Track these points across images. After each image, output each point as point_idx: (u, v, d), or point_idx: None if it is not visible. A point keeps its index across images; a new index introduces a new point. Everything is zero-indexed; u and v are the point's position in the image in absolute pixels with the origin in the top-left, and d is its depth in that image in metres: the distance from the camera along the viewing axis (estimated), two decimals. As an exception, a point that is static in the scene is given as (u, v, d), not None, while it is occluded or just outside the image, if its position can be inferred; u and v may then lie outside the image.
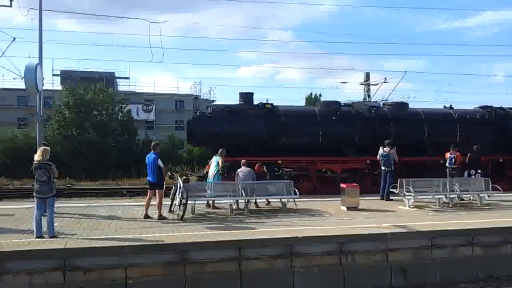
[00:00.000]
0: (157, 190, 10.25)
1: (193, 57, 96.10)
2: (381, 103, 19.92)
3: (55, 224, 8.53)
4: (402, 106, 18.43)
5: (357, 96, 56.37)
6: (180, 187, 10.61)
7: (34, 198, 8.44)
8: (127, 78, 46.96)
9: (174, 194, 11.13)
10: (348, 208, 11.82)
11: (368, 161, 16.29)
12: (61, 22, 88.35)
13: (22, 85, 32.03)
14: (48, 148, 8.69)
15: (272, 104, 16.80)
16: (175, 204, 10.93)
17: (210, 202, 11.80)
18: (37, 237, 8.13)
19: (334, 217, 10.81)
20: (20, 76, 24.58)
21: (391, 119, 17.25)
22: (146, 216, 10.24)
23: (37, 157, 8.38)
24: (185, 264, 7.82)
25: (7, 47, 20.45)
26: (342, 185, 12.36)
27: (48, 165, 8.25)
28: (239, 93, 17.35)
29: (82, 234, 8.50)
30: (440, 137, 17.20)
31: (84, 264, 7.44)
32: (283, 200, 11.86)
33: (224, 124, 15.76)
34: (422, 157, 17.04)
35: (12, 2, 20.49)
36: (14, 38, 20.94)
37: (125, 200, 12.70)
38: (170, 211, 10.97)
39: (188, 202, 10.38)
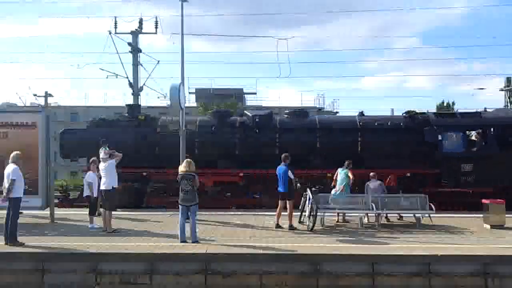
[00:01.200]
0: (287, 201, 10.50)
1: (317, 70, 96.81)
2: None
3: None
4: (301, 114, 16.84)
5: (496, 103, 51.31)
6: (309, 198, 10.74)
7: (179, 206, 9.24)
8: (255, 93, 49.14)
9: (304, 205, 11.30)
10: (492, 226, 10.79)
11: (241, 174, 15.25)
12: (195, 44, 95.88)
13: (164, 103, 35.23)
14: (192, 161, 9.45)
15: (147, 116, 16.78)
16: (305, 215, 11.08)
17: (340, 214, 11.72)
18: (181, 242, 8.90)
19: (476, 236, 9.95)
20: (163, 95, 27.45)
21: (279, 129, 15.89)
22: (278, 226, 10.55)
23: (182, 168, 9.19)
24: (318, 276, 7.87)
25: (153, 69, 23.01)
26: (484, 201, 11.34)
27: (192, 176, 8.99)
28: (126, 104, 18.10)
29: (220, 241, 9.08)
30: (335, 148, 15.16)
31: (223, 269, 7.92)
32: (417, 215, 11.28)
33: (94, 136, 14.76)
34: (310, 170, 15.13)
35: (157, 29, 23.10)
36: (158, 61, 23.48)
37: (257, 209, 13.23)
38: (300, 222, 11.14)
39: (318, 214, 10.46)
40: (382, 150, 15.28)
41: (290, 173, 10.44)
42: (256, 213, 12.71)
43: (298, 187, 11.84)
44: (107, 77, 22.76)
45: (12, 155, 9.15)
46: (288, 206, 10.48)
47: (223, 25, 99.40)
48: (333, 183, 11.95)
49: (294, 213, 10.64)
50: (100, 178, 10.46)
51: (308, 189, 11.22)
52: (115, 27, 22.09)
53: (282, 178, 10.51)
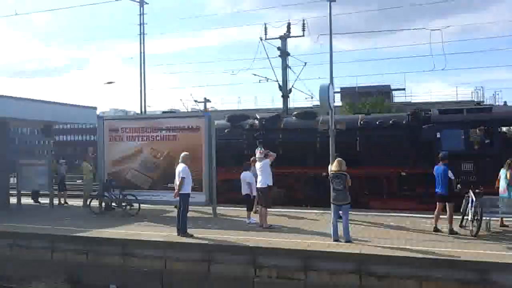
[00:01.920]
0: (447, 204, 9.81)
1: (473, 61, 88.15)
2: None
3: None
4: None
5: None
6: (472, 201, 9.86)
7: (331, 205, 9.31)
8: (403, 89, 46.85)
9: (466, 208, 10.41)
10: None
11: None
12: (338, 43, 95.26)
13: (310, 104, 35.69)
14: (343, 160, 9.43)
15: None
16: (467, 219, 10.20)
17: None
18: (334, 241, 8.96)
19: None
20: (310, 95, 27.94)
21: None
22: (436, 229, 9.92)
23: (333, 167, 9.26)
24: (485, 286, 7.21)
25: (300, 71, 23.62)
26: None
27: (344, 175, 8.99)
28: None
29: (373, 241, 8.90)
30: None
31: (378, 271, 7.76)
32: None
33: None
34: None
35: (304, 32, 23.57)
36: (305, 63, 23.98)
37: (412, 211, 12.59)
38: (461, 226, 10.30)
39: (483, 218, 9.55)
40: (380, 149, 14.35)
41: (450, 173, 9.74)
42: (412, 214, 12.10)
43: (458, 188, 10.93)
44: (259, 81, 23.97)
45: (181, 155, 10.27)
46: (448, 209, 9.78)
47: (368, 22, 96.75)
48: (496, 184, 10.79)
49: (454, 216, 9.89)
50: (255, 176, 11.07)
51: (470, 191, 10.31)
52: (265, 33, 23.14)
53: (441, 178, 9.85)
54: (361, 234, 9.69)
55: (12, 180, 17.11)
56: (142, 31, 26.74)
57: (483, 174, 12.86)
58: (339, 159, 9.46)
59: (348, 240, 8.88)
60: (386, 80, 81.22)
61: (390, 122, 15.00)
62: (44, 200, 15.93)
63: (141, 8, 26.74)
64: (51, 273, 9.82)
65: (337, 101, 47.10)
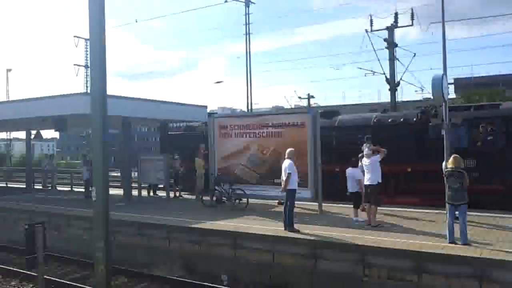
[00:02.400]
0: None
1: None
2: None
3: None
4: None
5: None
6: None
7: (446, 205, 8.74)
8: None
9: None
10: None
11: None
12: (450, 30, 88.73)
13: (420, 97, 33.87)
14: (459, 157, 8.80)
15: None
16: None
17: None
18: (450, 243, 8.40)
19: None
20: (420, 88, 26.54)
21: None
22: None
23: (449, 164, 8.67)
24: None
25: (409, 63, 22.54)
26: None
27: (461, 173, 8.38)
28: None
29: (495, 245, 8.18)
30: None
31: (501, 277, 7.13)
32: None
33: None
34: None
35: (413, 21, 22.44)
36: (415, 54, 22.82)
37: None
38: None
39: None
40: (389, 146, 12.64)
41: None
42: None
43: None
44: (364, 75, 23.37)
45: (287, 151, 10.39)
46: None
47: (483, 6, 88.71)
48: None
49: None
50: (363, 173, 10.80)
51: None
52: (371, 25, 22.46)
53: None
54: (480, 236, 8.97)
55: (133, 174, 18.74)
56: (247, 31, 27.53)
57: (485, 171, 13.05)
58: (456, 155, 8.84)
59: (466, 243, 8.27)
60: (506, 69, 73.93)
61: (401, 119, 15.42)
62: (161, 193, 17.21)
63: (247, 8, 27.53)
64: (169, 261, 10.56)
65: (451, 92, 44.16)
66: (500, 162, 13.26)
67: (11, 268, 10.07)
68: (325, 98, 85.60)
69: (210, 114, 17.33)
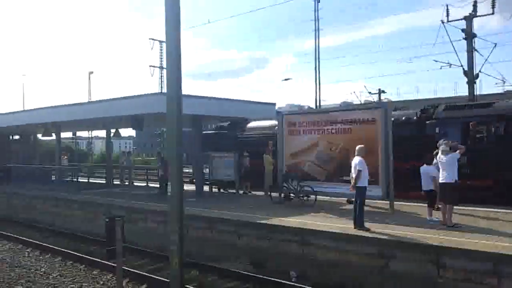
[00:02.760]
0: None
1: None
2: None
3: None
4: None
5: None
6: None
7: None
8: None
9: None
10: None
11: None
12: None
13: (501, 89, 31.82)
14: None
15: None
16: None
17: None
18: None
19: None
20: (502, 80, 24.88)
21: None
22: None
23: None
24: None
25: (490, 54, 21.24)
26: None
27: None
28: None
29: None
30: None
31: None
32: None
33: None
34: None
35: (494, 9, 21.08)
36: (495, 44, 21.45)
37: None
38: None
39: None
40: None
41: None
42: None
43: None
44: (440, 68, 22.37)
45: (357, 148, 10.20)
46: None
47: None
48: None
49: None
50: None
51: None
52: (447, 15, 21.40)
53: None
54: None
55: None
56: (317, 27, 27.26)
57: (476, 167, 13.48)
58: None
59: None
60: None
61: (403, 118, 15.96)
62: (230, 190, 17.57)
63: (316, 4, 27.25)
64: (237, 256, 10.78)
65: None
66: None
67: (93, 259, 10.75)
68: (397, 93, 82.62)
69: (279, 112, 17.41)
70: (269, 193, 15.08)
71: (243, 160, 17.46)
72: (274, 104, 18.87)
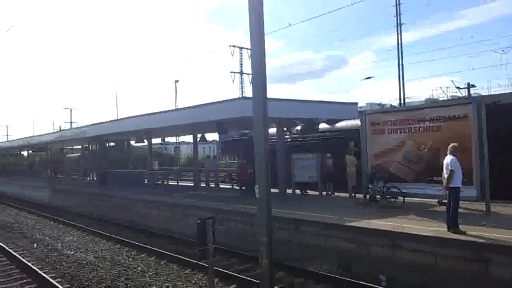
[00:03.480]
0: None
1: None
2: None
3: None
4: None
5: None
6: None
7: None
8: None
9: None
10: None
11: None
12: None
13: None
14: None
15: None
16: None
17: None
18: None
19: None
20: None
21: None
22: None
23: None
24: None
25: None
26: None
27: None
28: None
29: None
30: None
31: None
32: None
33: None
34: None
35: None
36: None
37: None
38: None
39: None
40: None
41: None
42: None
43: None
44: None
45: (450, 146, 9.69)
46: None
47: None
48: None
49: None
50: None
51: None
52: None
53: None
54: None
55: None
56: (398, 22, 26.30)
57: None
58: None
59: None
60: None
61: None
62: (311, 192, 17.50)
63: (397, -1, 26.32)
64: (323, 258, 10.69)
65: None
66: None
67: (185, 258, 11.25)
68: (488, 87, 77.01)
69: (361, 111, 17.06)
70: (353, 194, 14.79)
71: (326, 161, 17.31)
72: (356, 104, 18.51)
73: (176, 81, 53.26)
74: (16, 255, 12.16)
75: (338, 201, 15.67)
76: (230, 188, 23.41)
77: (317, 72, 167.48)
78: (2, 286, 9.73)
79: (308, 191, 18.07)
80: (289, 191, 17.73)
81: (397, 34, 26.08)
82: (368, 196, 13.91)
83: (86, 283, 9.76)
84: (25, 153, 55.10)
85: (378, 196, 13.57)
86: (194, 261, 10.72)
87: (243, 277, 9.56)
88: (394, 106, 39.70)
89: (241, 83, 46.85)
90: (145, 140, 25.75)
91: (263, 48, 6.23)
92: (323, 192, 17.21)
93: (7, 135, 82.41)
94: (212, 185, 25.19)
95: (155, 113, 20.79)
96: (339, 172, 16.55)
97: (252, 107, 6.28)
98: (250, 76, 50.18)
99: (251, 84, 6.37)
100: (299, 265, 10.45)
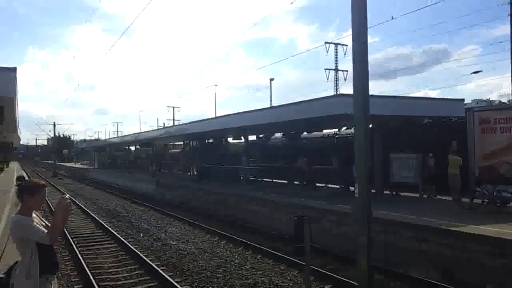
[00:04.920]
0: None
1: None
2: None
3: None
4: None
5: None
6: None
7: None
8: None
9: None
10: None
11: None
12: None
13: None
14: None
15: None
16: None
17: None
18: None
19: None
20: None
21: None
22: None
23: None
24: None
25: None
26: None
27: None
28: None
29: None
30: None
31: None
32: None
33: None
34: None
35: None
36: None
37: None
38: None
39: None
40: None
41: None
42: None
43: None
44: None
45: None
46: None
47: None
48: None
49: None
50: None
51: None
52: None
53: None
54: None
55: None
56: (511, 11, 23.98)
57: None
58: None
59: None
60: None
61: None
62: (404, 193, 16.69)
63: (509, -15, 24.02)
64: (421, 263, 10.16)
65: None
66: None
67: (281, 255, 11.37)
68: None
69: (469, 108, 15.89)
70: (457, 197, 13.86)
71: (427, 161, 16.42)
72: (462, 100, 17.27)
73: (271, 79, 53.86)
74: (126, 242, 13.19)
75: (440, 204, 14.78)
76: (324, 186, 23.20)
77: (415, 67, 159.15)
78: (114, 270, 10.62)
79: (406, 192, 17.29)
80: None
81: (511, 24, 23.75)
82: (475, 200, 12.95)
83: (187, 273, 10.29)
84: (132, 148, 59.55)
85: (486, 200, 12.58)
86: (289, 258, 10.81)
87: (340, 277, 9.42)
88: (504, 103, 36.47)
89: (336, 80, 46.15)
90: (242, 137, 26.48)
91: (365, 42, 6.07)
92: (424, 195, 16.36)
93: (117, 131, 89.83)
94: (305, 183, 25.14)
95: (251, 111, 21.28)
96: (441, 173, 15.55)
97: (353, 105, 6.16)
98: (345, 73, 49.37)
99: (353, 79, 6.20)
100: (395, 268, 10.06)
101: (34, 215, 3.73)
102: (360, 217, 6.10)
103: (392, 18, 55.87)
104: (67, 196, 3.71)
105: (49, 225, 3.75)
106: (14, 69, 9.99)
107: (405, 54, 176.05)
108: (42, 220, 3.82)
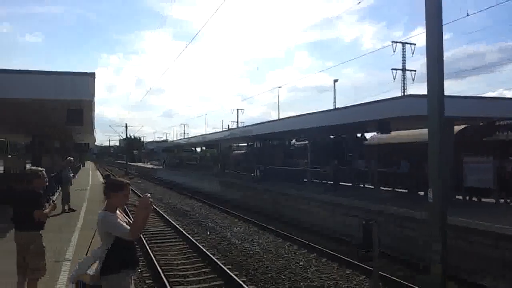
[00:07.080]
0: None
1: None
2: None
3: None
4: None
5: None
6: None
7: None
8: None
9: None
10: None
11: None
12: None
13: None
14: None
15: None
16: None
17: None
18: None
19: None
20: None
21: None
22: None
23: None
24: None
25: None
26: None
27: None
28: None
29: None
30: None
31: None
32: None
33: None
34: None
35: None
36: None
37: None
38: None
39: None
40: None
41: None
42: None
43: None
44: None
45: None
46: None
47: None
48: None
49: None
50: None
51: None
52: None
53: None
54: None
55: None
56: None
57: None
58: None
59: None
60: None
61: None
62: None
63: None
64: (500, 272, 9.58)
65: None
66: None
67: (347, 259, 11.15)
68: None
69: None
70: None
71: (505, 165, 15.44)
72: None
73: (335, 81, 53.06)
74: (194, 241, 13.56)
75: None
76: (391, 190, 22.48)
77: (488, 66, 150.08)
78: (184, 266, 10.96)
79: (480, 198, 16.34)
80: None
81: None
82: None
83: (253, 273, 10.40)
84: (198, 149, 61.15)
85: None
86: (355, 262, 10.61)
87: (409, 284, 9.10)
88: None
89: (403, 80, 44.63)
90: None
91: (441, 39, 5.83)
92: (500, 200, 15.38)
93: (184, 133, 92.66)
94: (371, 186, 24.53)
95: (313, 113, 21.10)
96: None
97: (427, 106, 5.93)
98: (413, 73, 47.56)
99: (426, 79, 5.96)
100: (468, 277, 9.56)
101: (117, 211, 3.94)
102: (434, 223, 5.87)
103: (468, 15, 53.04)
104: (149, 194, 3.87)
105: (131, 222, 3.95)
106: (93, 74, 10.62)
107: (477, 52, 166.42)
108: (125, 217, 4.03)
